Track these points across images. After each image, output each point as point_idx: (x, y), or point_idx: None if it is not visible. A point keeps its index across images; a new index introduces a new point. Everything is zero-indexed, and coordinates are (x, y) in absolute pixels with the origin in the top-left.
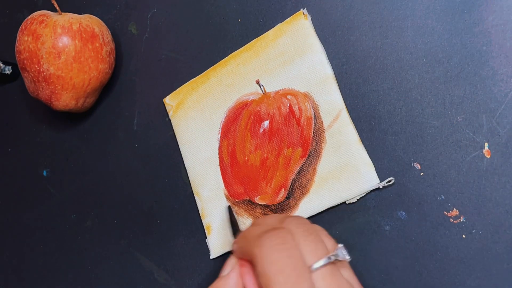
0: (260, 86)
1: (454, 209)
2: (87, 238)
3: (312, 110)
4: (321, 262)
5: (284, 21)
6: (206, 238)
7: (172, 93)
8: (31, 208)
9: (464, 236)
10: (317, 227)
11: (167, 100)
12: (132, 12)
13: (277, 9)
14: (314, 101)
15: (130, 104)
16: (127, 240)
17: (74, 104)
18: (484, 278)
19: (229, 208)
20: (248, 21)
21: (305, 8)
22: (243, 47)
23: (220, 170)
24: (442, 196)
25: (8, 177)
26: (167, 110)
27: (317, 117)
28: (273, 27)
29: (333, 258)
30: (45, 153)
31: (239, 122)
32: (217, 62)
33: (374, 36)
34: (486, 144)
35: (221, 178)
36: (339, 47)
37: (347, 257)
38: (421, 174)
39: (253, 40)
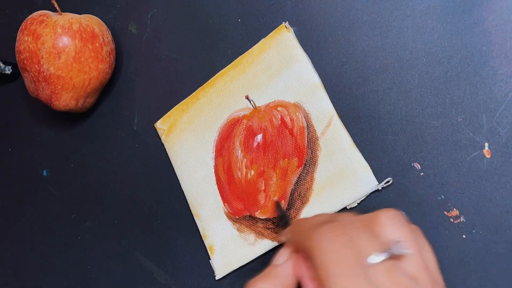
0: (250, 101)
1: (454, 209)
2: (87, 238)
3: (304, 120)
4: (379, 256)
5: (268, 35)
6: (210, 259)
7: (163, 117)
8: (31, 208)
9: (464, 236)
10: (379, 221)
11: (159, 124)
12: (132, 12)
13: (277, 9)
14: (305, 110)
15: (130, 104)
16: (127, 240)
17: (74, 104)
18: (484, 278)
19: (277, 203)
20: (248, 21)
21: (287, 21)
22: (229, 64)
23: (218, 188)
24: (442, 196)
25: (8, 177)
26: (159, 134)
27: (309, 125)
28: (273, 27)
29: (389, 253)
30: (45, 153)
31: (232, 138)
32: (217, 62)
33: (374, 36)
34: (486, 144)
35: (220, 196)
36: (339, 47)
37: (405, 251)
38: (421, 174)
39: (239, 57)
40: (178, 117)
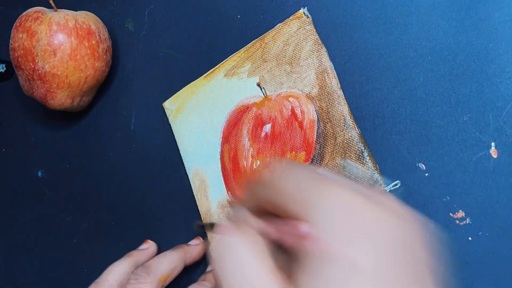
0: (261, 89)
1: (460, 210)
2: (83, 240)
3: (315, 113)
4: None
5: (284, 21)
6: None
7: (172, 97)
8: (25, 209)
9: (470, 238)
10: None
11: (167, 104)
12: (129, 8)
13: (278, 5)
14: (317, 103)
15: (127, 103)
16: (125, 243)
17: (70, 103)
18: (491, 281)
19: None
20: (247, 18)
21: (306, 8)
22: (242, 48)
23: (222, 175)
24: (448, 197)
25: (2, 178)
26: (167, 115)
27: (320, 119)
28: (273, 23)
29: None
30: (40, 153)
31: (240, 126)
32: (216, 59)
33: (377, 33)
34: (493, 144)
35: (224, 183)
36: (342, 45)
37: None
38: (426, 174)
39: (253, 41)
40: (187, 99)
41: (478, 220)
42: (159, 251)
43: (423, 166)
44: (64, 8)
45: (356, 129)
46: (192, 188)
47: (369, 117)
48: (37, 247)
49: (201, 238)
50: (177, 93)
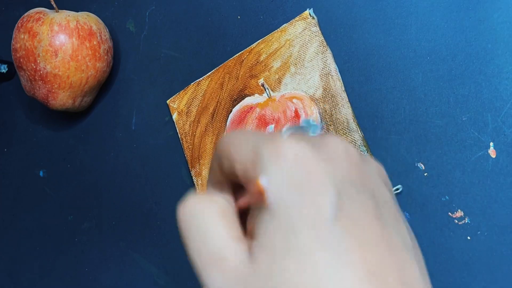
0: (265, 89)
1: (459, 210)
2: (84, 240)
3: (319, 115)
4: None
5: (289, 21)
6: None
7: (175, 95)
8: (27, 209)
9: (469, 237)
10: None
11: (170, 102)
12: (130, 9)
13: (278, 6)
14: (320, 105)
15: (128, 103)
16: (126, 242)
17: (71, 103)
18: (489, 280)
19: None
20: (247, 19)
21: (311, 9)
22: (247, 48)
23: None
24: (447, 197)
25: (4, 178)
26: (171, 112)
27: (323, 122)
28: (273, 24)
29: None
30: (42, 153)
31: (244, 126)
32: (216, 60)
33: (377, 33)
34: (492, 144)
35: None
36: (342, 45)
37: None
38: (425, 174)
39: (258, 41)
40: (191, 97)
41: (476, 219)
42: (159, 251)
43: (422, 165)
44: (66, 9)
45: (359, 132)
46: (196, 187)
47: (369, 117)
48: (38, 246)
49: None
50: (181, 91)
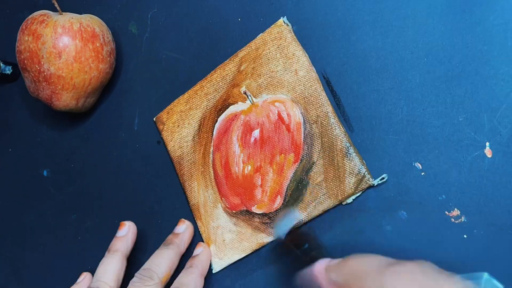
0: (247, 96)
1: (456, 209)
2: (87, 238)
3: (301, 115)
4: None
5: (265, 30)
6: None
7: (162, 111)
8: (31, 208)
9: (465, 236)
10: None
11: (157, 118)
12: (132, 12)
13: (277, 8)
14: (302, 106)
15: (130, 104)
16: None
17: (75, 104)
18: None
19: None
20: (248, 21)
21: (285, 17)
22: (227, 59)
23: (216, 183)
24: (443, 196)
25: (9, 177)
26: (159, 129)
27: (306, 121)
28: (273, 25)
29: None
30: (46, 153)
31: (230, 133)
32: (217, 61)
33: (375, 35)
34: (488, 144)
35: (217, 190)
36: (340, 47)
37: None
38: (422, 173)
39: (237, 52)
40: (177, 111)
41: (473, 218)
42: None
43: (419, 165)
44: (69, 12)
45: (341, 127)
46: (187, 197)
47: (367, 118)
48: (42, 244)
49: (185, 221)
50: (167, 107)
